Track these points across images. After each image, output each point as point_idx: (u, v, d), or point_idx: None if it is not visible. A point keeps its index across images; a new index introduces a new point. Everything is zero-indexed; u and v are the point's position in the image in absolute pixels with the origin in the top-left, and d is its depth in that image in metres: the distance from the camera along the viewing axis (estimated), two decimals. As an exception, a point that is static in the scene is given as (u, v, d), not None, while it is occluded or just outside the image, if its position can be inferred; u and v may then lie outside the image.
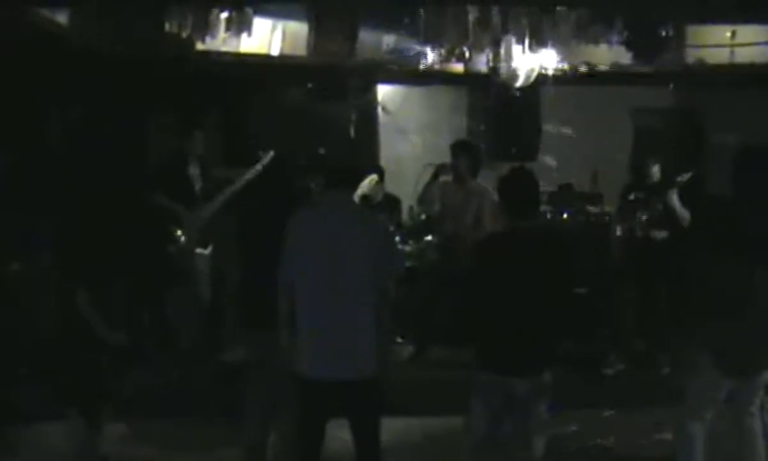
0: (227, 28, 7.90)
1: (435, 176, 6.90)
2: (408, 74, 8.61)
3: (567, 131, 8.64)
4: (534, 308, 4.09)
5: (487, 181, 6.78)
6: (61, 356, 4.71)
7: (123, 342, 4.69)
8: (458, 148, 6.90)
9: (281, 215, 4.16)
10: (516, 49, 7.98)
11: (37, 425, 5.34)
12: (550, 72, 8.23)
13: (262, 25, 8.11)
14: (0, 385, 5.58)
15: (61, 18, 6.85)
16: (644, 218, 6.60)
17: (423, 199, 6.99)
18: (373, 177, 6.84)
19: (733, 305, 4.02)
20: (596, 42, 8.03)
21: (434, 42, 8.21)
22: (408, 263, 7.26)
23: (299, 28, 8.23)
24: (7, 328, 5.64)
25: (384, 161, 8.34)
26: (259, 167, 6.14)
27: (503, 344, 4.15)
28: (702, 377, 4.18)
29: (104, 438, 4.77)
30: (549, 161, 8.54)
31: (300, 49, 8.24)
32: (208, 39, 7.81)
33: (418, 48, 8.40)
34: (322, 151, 6.75)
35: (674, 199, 6.27)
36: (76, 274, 4.69)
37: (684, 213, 6.25)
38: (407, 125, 9.17)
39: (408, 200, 8.11)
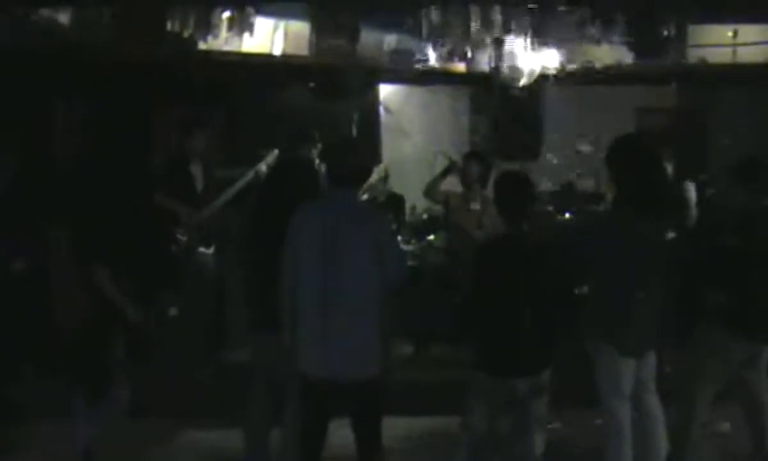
0: (229, 28, 7.92)
1: (444, 172, 6.91)
2: (409, 74, 8.62)
3: (569, 130, 8.64)
4: (533, 310, 4.11)
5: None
6: (69, 339, 4.78)
7: (141, 319, 4.84)
8: (471, 158, 6.93)
9: (283, 214, 4.16)
10: (518, 48, 7.99)
11: (39, 424, 5.34)
12: (552, 72, 8.24)
13: (264, 24, 8.13)
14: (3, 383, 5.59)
15: (62, 19, 6.88)
16: None
17: (428, 191, 6.97)
18: (382, 167, 6.91)
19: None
20: (598, 42, 8.04)
21: (436, 42, 8.22)
22: (409, 263, 7.26)
23: (301, 28, 8.24)
24: (13, 327, 5.64)
25: (385, 160, 8.34)
26: (263, 166, 6.17)
27: (503, 346, 4.17)
28: (604, 358, 4.38)
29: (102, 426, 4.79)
30: (551, 160, 8.55)
31: (302, 49, 8.26)
32: (210, 38, 7.83)
33: (419, 48, 8.41)
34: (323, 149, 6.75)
35: (691, 192, 6.30)
36: (78, 272, 4.74)
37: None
38: (409, 124, 9.17)
39: (410, 199, 8.12)
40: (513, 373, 4.17)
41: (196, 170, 6.47)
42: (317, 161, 6.16)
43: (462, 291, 5.99)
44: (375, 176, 6.72)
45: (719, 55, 8.28)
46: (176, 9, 7.53)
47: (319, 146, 6.41)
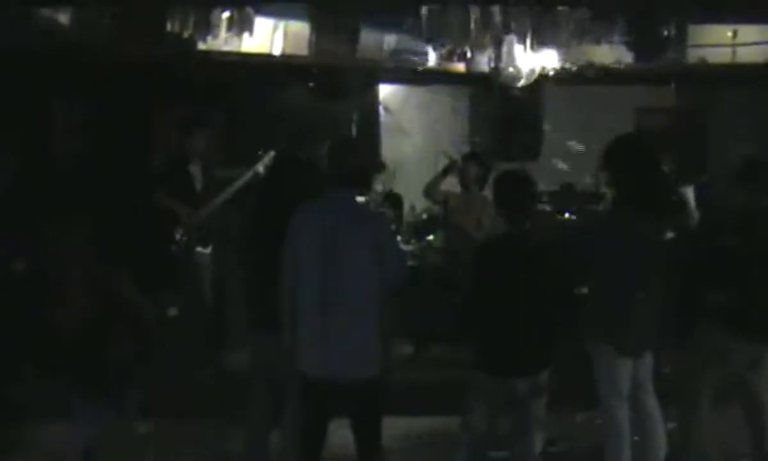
0: (229, 28, 7.92)
1: (445, 171, 6.94)
2: (409, 74, 8.61)
3: (568, 130, 8.63)
4: (533, 310, 4.11)
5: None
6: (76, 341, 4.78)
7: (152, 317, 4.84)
8: (469, 159, 7.01)
9: (283, 214, 4.16)
10: (517, 48, 7.98)
11: (39, 424, 5.34)
12: (552, 72, 8.23)
13: (263, 24, 8.12)
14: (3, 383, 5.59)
15: (62, 19, 6.87)
16: None
17: (428, 190, 6.99)
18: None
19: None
20: (598, 42, 8.03)
21: (436, 42, 8.21)
22: (409, 263, 7.26)
23: (301, 28, 8.24)
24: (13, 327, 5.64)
25: (385, 160, 8.33)
26: (260, 166, 6.17)
27: (503, 346, 4.17)
28: (604, 358, 4.39)
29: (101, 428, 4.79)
30: (550, 160, 8.54)
31: (302, 49, 8.25)
32: (209, 39, 7.83)
33: (419, 48, 8.40)
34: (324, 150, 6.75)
35: (689, 195, 6.28)
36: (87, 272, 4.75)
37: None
38: (409, 124, 9.17)
39: (410, 199, 8.11)
40: (513, 373, 4.17)
41: (196, 170, 6.47)
42: (324, 160, 6.16)
43: (462, 291, 5.99)
44: (384, 174, 6.76)
45: (719, 55, 8.27)
46: (176, 9, 7.53)
47: (327, 143, 6.41)
